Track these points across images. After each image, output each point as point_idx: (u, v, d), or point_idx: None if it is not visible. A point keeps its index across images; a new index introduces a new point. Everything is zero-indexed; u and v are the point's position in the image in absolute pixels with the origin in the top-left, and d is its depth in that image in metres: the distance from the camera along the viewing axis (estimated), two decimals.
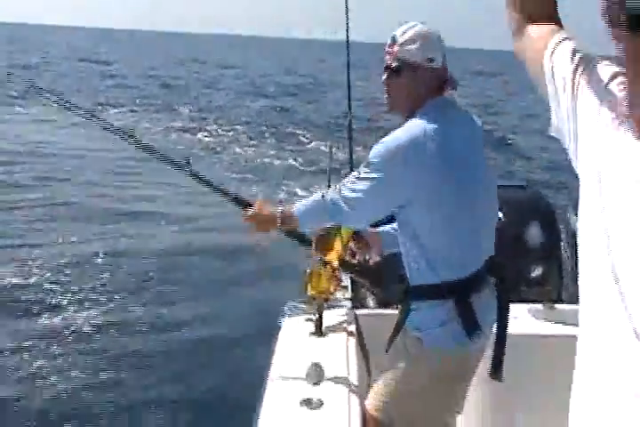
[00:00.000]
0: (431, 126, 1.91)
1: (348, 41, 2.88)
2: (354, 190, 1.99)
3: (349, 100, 2.99)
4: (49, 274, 6.20)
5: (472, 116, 2.14)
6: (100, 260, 6.63)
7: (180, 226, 8.11)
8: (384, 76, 2.07)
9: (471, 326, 1.98)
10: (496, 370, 2.11)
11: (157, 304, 5.71)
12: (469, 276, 2.00)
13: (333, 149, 4.03)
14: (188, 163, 2.45)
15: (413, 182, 1.91)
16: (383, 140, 1.95)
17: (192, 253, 7.06)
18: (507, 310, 2.11)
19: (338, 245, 2.41)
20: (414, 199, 1.94)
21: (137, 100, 22.38)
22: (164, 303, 5.74)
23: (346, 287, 2.86)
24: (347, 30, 2.87)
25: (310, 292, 2.49)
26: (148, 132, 15.09)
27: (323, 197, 2.09)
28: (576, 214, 3.88)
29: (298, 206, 2.19)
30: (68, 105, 2.54)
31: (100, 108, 19.00)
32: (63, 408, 4.11)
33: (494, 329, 2.11)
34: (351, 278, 2.92)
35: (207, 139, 15.65)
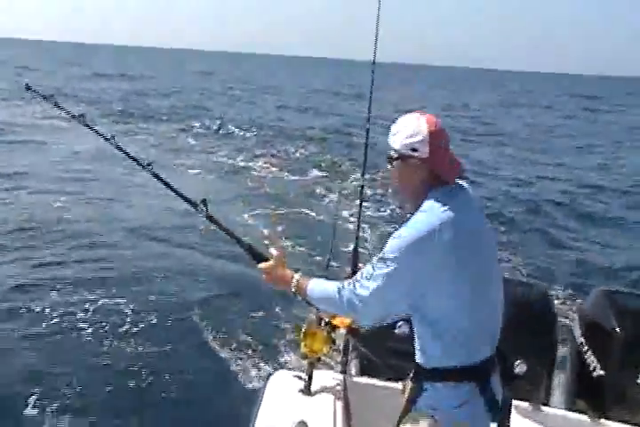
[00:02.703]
0: (440, 218, 1.94)
1: (374, 60, 3.07)
2: (367, 288, 1.99)
3: (369, 111, 3.10)
4: None
5: (477, 200, 2.12)
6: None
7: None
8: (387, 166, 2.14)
9: (494, 408, 2.04)
10: None
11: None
12: (485, 359, 2.04)
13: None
14: (205, 205, 2.43)
15: (427, 273, 1.95)
16: (396, 233, 1.97)
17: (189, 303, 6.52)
18: (510, 398, 2.14)
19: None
20: (428, 291, 1.96)
21: None
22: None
23: (338, 351, 2.90)
24: (374, 50, 3.03)
25: (303, 350, 2.54)
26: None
27: (339, 292, 2.07)
28: (581, 329, 3.72)
29: (312, 289, 2.19)
30: None
31: None
32: None
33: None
34: (345, 343, 2.96)
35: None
